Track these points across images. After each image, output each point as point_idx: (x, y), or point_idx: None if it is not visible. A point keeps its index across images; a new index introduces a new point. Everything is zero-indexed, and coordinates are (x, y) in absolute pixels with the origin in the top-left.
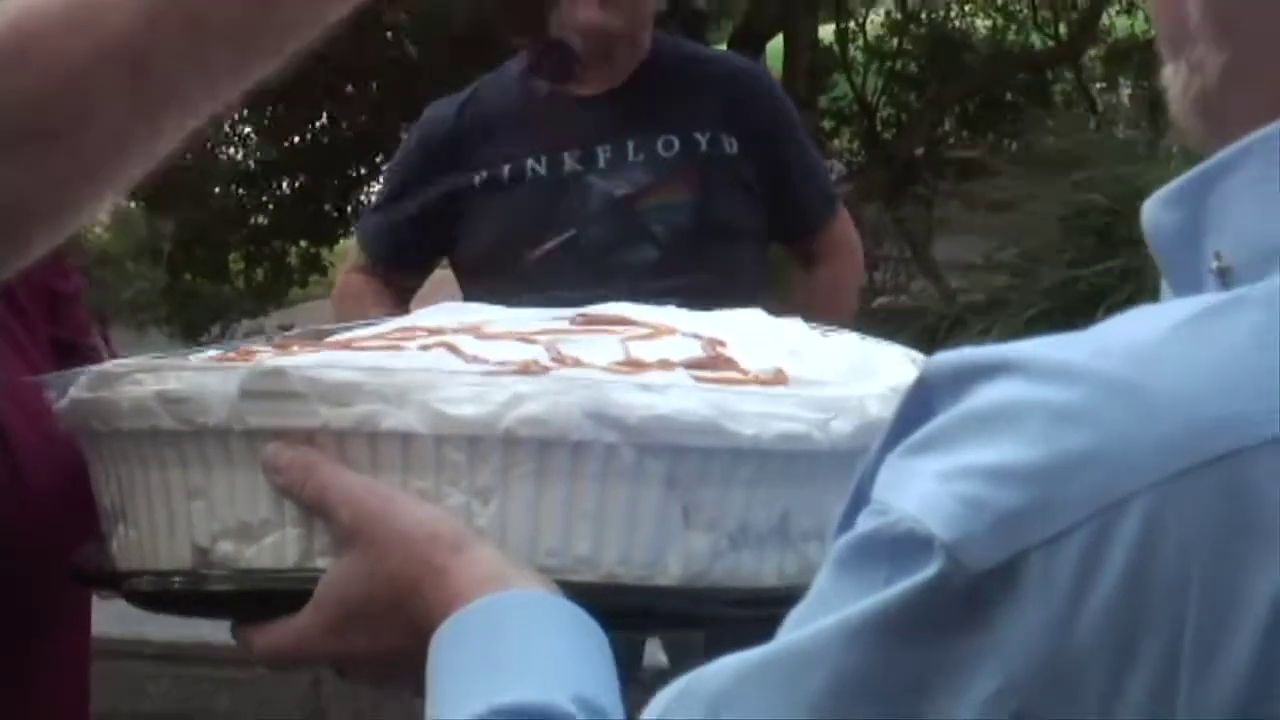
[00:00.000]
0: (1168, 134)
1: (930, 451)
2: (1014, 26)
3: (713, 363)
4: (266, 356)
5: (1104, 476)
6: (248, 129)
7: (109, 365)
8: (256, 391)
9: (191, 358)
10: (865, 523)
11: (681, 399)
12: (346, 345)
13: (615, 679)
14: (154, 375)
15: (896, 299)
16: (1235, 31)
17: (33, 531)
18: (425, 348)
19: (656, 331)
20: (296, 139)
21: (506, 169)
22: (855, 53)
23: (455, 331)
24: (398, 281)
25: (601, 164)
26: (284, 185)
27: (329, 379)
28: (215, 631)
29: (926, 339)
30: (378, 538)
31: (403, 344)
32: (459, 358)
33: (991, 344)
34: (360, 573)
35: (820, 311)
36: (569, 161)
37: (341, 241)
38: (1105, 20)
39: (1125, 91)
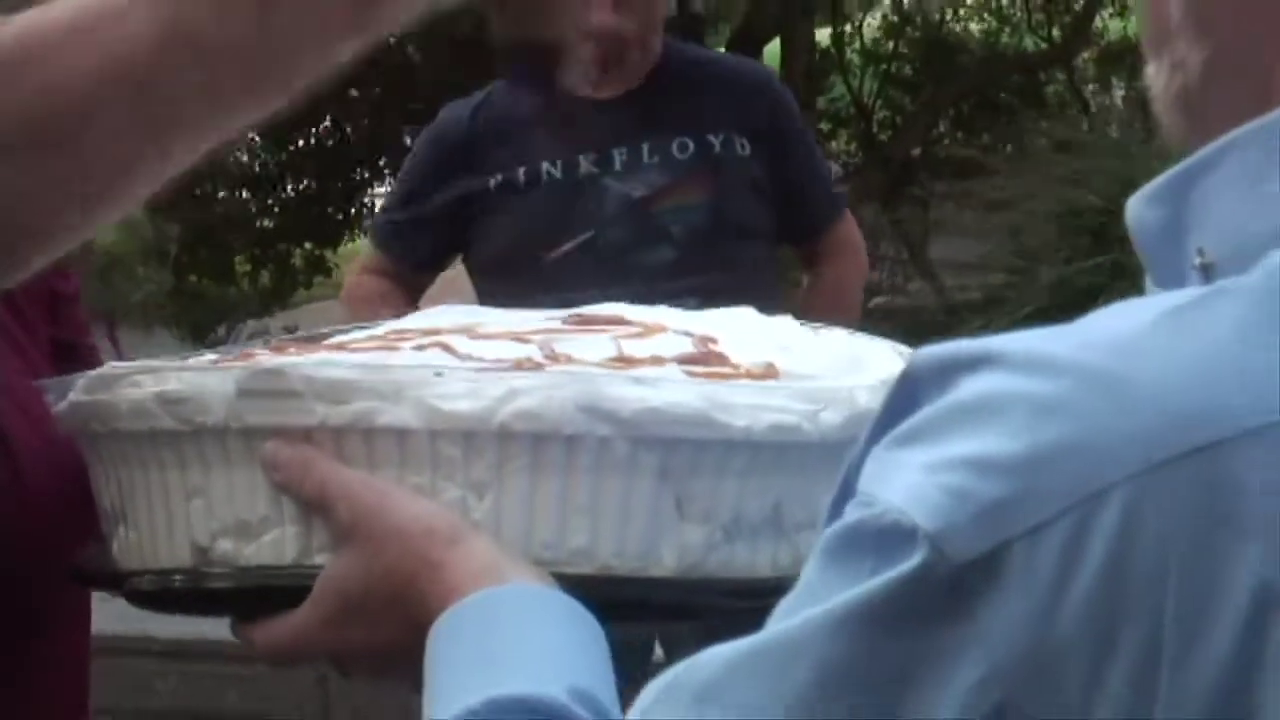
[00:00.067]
0: (1160, 134)
1: (915, 443)
2: (1008, 29)
3: (704, 358)
4: (264, 359)
5: (1085, 467)
6: (252, 133)
7: (107, 368)
8: (254, 390)
9: (189, 360)
10: (851, 514)
11: (674, 392)
12: (341, 348)
13: (611, 671)
14: (152, 377)
15: (894, 299)
16: (1215, 29)
17: (33, 532)
18: (420, 348)
19: (648, 330)
20: (301, 143)
21: (522, 172)
22: (852, 56)
23: (449, 332)
24: (410, 281)
25: (617, 166)
26: (289, 189)
27: (325, 377)
28: (221, 629)
29: (923, 337)
30: (375, 533)
31: (397, 345)
32: (453, 357)
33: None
34: (358, 568)
35: (826, 310)
36: (584, 164)
37: (346, 244)
38: (1099, 23)
39: (1118, 93)
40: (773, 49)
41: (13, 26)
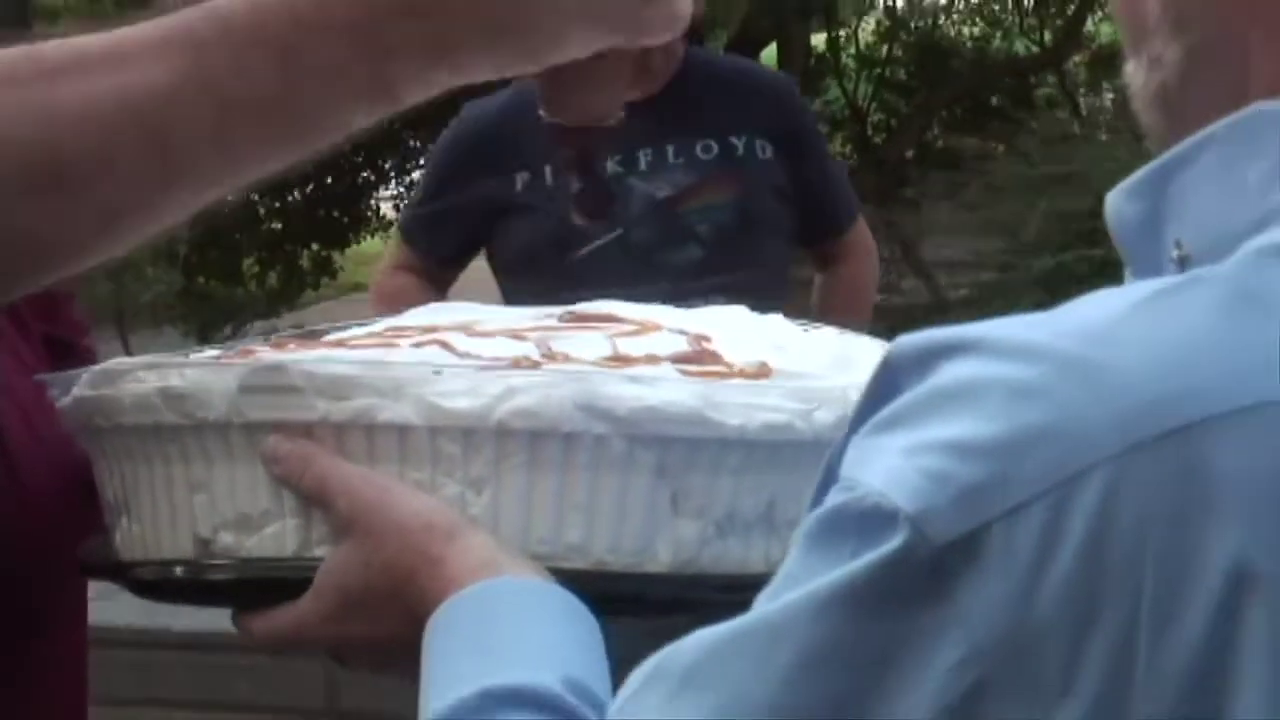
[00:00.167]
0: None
1: (896, 428)
2: (1000, 33)
3: (698, 357)
4: (265, 355)
5: (1062, 451)
6: None
7: (111, 363)
8: (256, 386)
9: (191, 356)
10: (833, 498)
11: (670, 391)
12: (341, 344)
13: (605, 663)
14: (155, 372)
15: (889, 298)
16: (1192, 26)
17: (31, 532)
18: (419, 345)
19: (643, 328)
20: None
21: (548, 169)
22: (847, 60)
23: (448, 329)
24: (437, 276)
25: (642, 166)
26: (296, 192)
27: (326, 373)
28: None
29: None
30: (375, 528)
31: (396, 342)
32: (452, 354)
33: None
34: (358, 561)
35: (841, 310)
36: (610, 164)
37: (352, 245)
38: (1089, 26)
39: (1108, 96)
40: (769, 53)
41: (43, 51)
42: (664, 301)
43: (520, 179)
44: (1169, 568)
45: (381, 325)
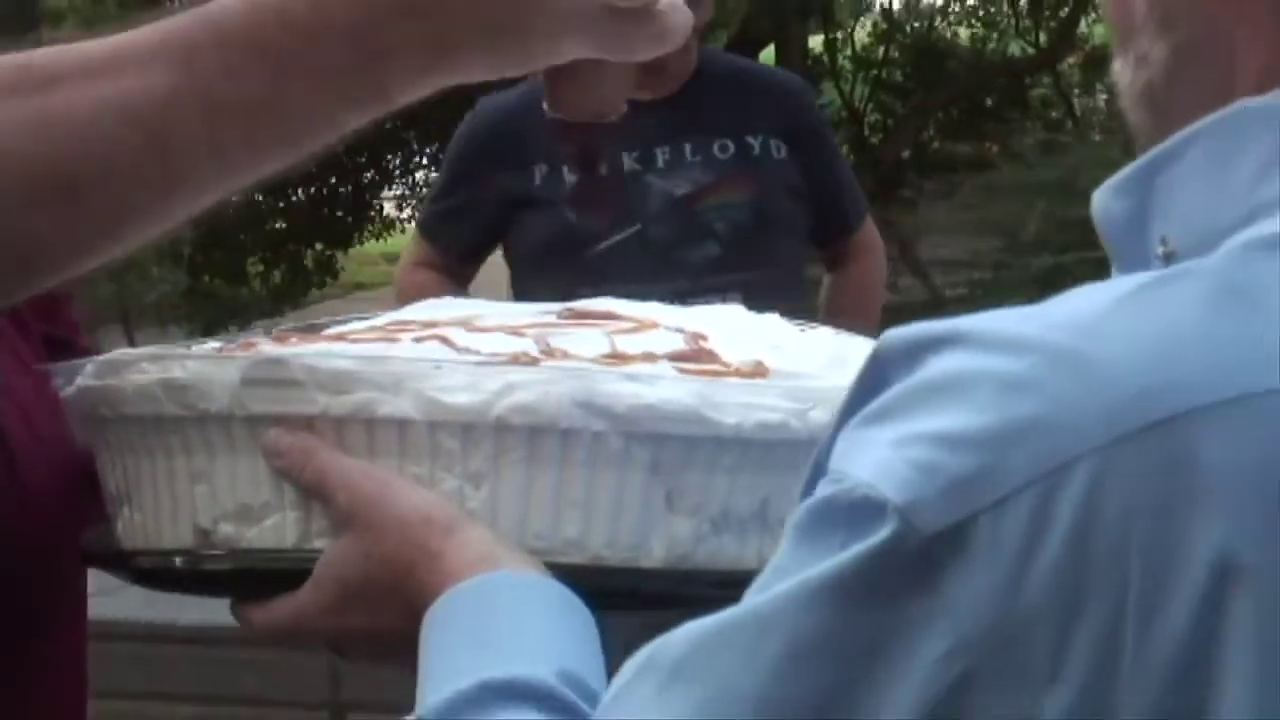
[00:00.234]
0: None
1: (885, 421)
2: (995, 35)
3: (695, 355)
4: (266, 348)
5: (1049, 442)
6: None
7: (115, 354)
8: (258, 379)
9: (194, 349)
10: (823, 490)
11: (667, 389)
12: (341, 338)
13: (600, 656)
14: (159, 364)
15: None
16: (1178, 24)
17: (32, 531)
18: (419, 340)
19: (641, 326)
20: None
21: (566, 165)
22: (843, 61)
23: (447, 325)
24: (457, 271)
25: (660, 164)
26: (299, 191)
27: (328, 367)
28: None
29: None
30: (374, 521)
31: (397, 336)
32: (451, 349)
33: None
34: (357, 554)
35: (851, 309)
36: (628, 161)
37: (355, 245)
38: (1083, 28)
39: (1102, 96)
40: (767, 54)
41: (40, 60)
42: (681, 298)
43: (538, 172)
44: (1154, 559)
45: (382, 320)
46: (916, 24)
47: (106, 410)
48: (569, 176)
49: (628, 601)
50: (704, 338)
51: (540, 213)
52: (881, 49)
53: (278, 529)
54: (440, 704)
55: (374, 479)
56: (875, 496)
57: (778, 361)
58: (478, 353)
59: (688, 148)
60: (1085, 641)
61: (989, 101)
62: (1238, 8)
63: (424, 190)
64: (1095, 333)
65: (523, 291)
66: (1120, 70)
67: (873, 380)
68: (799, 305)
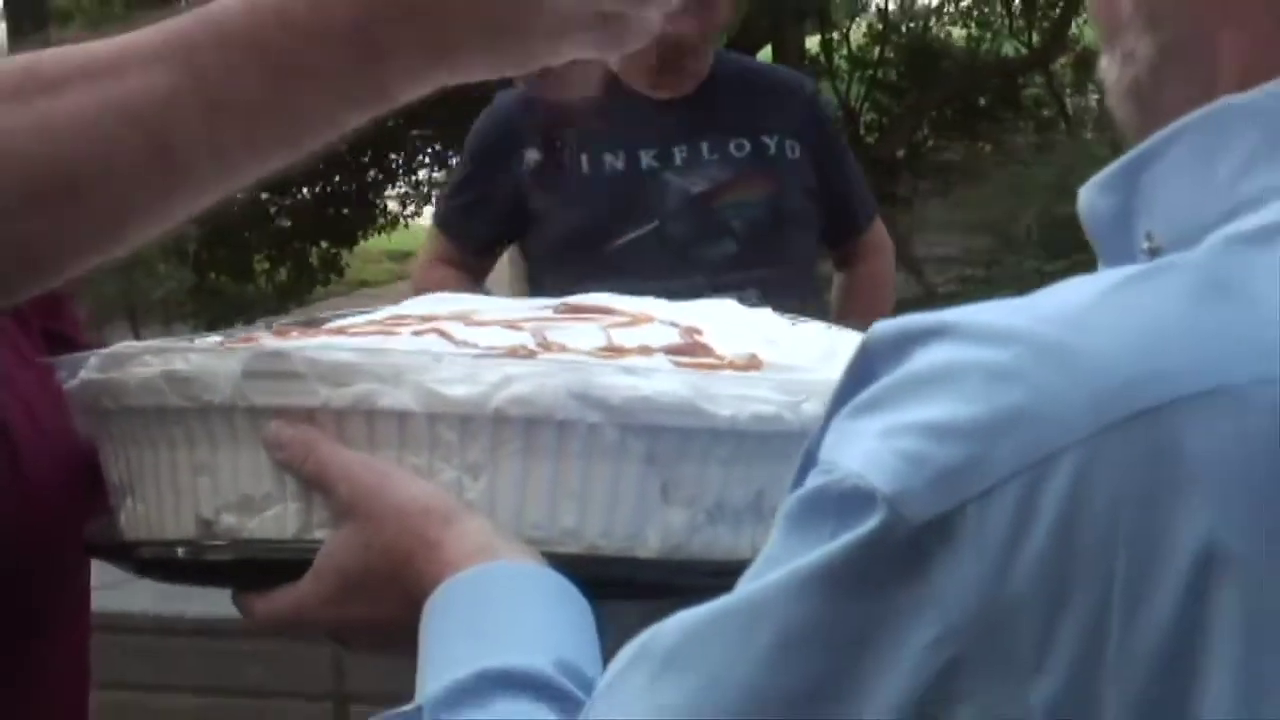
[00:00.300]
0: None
1: (874, 412)
2: (989, 35)
3: (690, 349)
4: (267, 341)
5: (1036, 433)
6: None
7: (118, 347)
8: (259, 372)
9: (196, 342)
10: (812, 481)
11: (662, 381)
12: (342, 332)
13: (597, 646)
14: (161, 357)
15: None
16: (1163, 21)
17: (34, 526)
18: (418, 333)
19: (636, 320)
20: None
21: (584, 159)
22: (839, 61)
23: (446, 319)
24: (474, 266)
25: (677, 162)
26: (304, 190)
27: (328, 360)
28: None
29: None
30: (374, 512)
31: (396, 330)
32: (449, 342)
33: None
34: (357, 545)
35: (863, 308)
36: (645, 158)
37: (360, 243)
38: (1075, 29)
39: (1094, 96)
40: (764, 55)
41: (47, 62)
42: (697, 295)
43: (556, 167)
44: (1139, 549)
45: (382, 313)
46: (911, 24)
47: (110, 402)
48: (587, 170)
49: (623, 591)
50: (698, 332)
51: (556, 209)
52: (877, 49)
53: (279, 520)
54: (439, 693)
55: (374, 470)
56: (864, 486)
57: (771, 355)
58: (475, 346)
59: (705, 146)
60: (1070, 631)
61: (983, 101)
62: (1223, 7)
63: (427, 188)
64: (1081, 325)
65: (539, 287)
66: (1107, 67)
67: (862, 372)
68: (814, 303)
